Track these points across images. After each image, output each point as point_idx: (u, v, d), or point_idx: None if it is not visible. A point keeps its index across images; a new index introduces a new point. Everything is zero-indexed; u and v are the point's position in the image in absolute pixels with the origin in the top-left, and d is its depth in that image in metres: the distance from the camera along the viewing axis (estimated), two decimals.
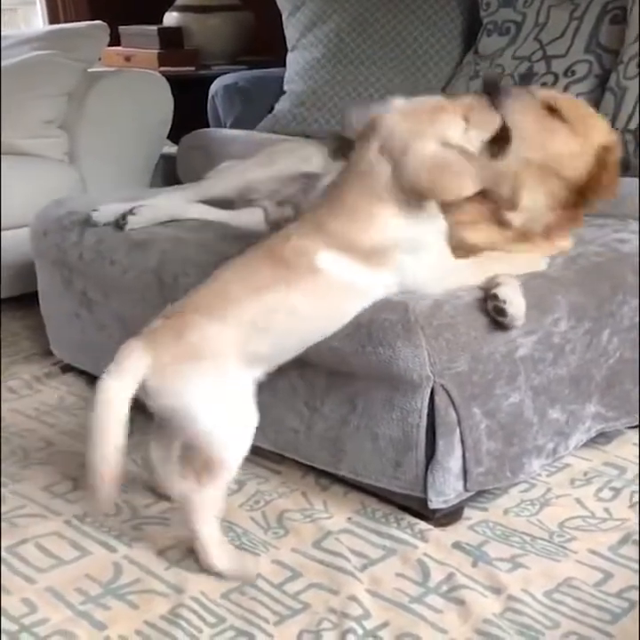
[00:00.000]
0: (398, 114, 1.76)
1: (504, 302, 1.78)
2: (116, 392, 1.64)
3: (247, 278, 1.75)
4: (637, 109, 2.57)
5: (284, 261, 1.74)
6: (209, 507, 1.72)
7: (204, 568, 1.75)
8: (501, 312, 1.78)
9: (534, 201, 1.94)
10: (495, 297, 1.78)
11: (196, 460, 1.71)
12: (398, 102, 1.79)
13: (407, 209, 1.73)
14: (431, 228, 1.79)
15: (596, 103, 2.77)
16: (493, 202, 1.94)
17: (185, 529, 1.77)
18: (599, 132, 1.97)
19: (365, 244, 1.74)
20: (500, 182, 1.90)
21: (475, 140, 1.76)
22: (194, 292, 1.77)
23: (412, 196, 1.72)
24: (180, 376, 1.66)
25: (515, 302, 1.79)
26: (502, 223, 1.95)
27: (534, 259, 1.96)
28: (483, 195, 1.85)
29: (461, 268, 1.86)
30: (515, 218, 1.95)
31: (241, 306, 1.71)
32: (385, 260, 1.75)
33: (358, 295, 1.79)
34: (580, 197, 1.96)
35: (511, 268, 1.89)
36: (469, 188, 1.71)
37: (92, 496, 1.65)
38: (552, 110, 1.93)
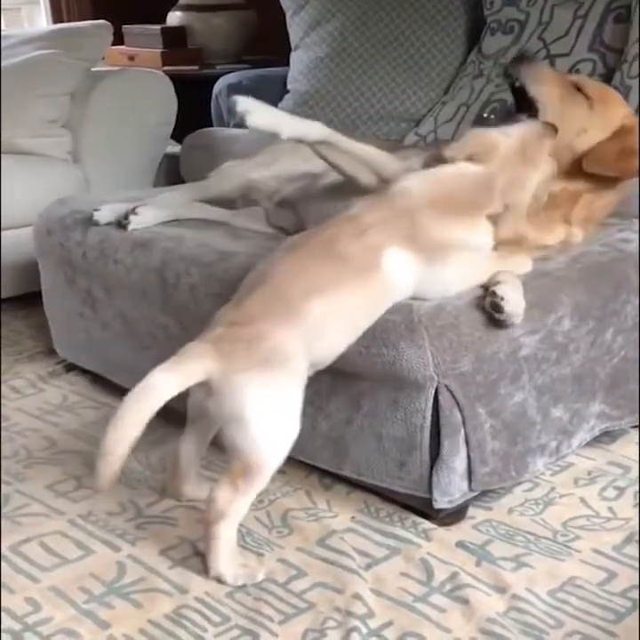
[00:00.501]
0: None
1: (501, 299, 1.78)
2: (164, 384, 1.62)
3: (303, 279, 1.72)
4: None
5: (347, 258, 1.74)
6: (237, 514, 1.71)
7: (212, 576, 1.74)
8: (498, 308, 1.78)
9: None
10: (493, 294, 1.79)
11: (234, 465, 1.69)
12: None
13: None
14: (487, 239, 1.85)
15: None
16: None
17: (196, 533, 1.77)
18: (619, 112, 2.02)
19: (443, 237, 1.77)
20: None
21: None
22: (253, 296, 1.73)
23: None
24: (247, 383, 1.64)
25: (512, 300, 1.79)
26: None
27: (523, 259, 1.96)
28: None
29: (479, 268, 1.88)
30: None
31: (300, 312, 1.69)
32: (441, 257, 1.78)
33: (402, 290, 1.80)
34: (598, 179, 2.00)
35: (500, 267, 1.89)
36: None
37: (96, 472, 1.61)
38: (577, 88, 1.99)
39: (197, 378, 1.65)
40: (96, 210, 2.40)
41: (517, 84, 1.97)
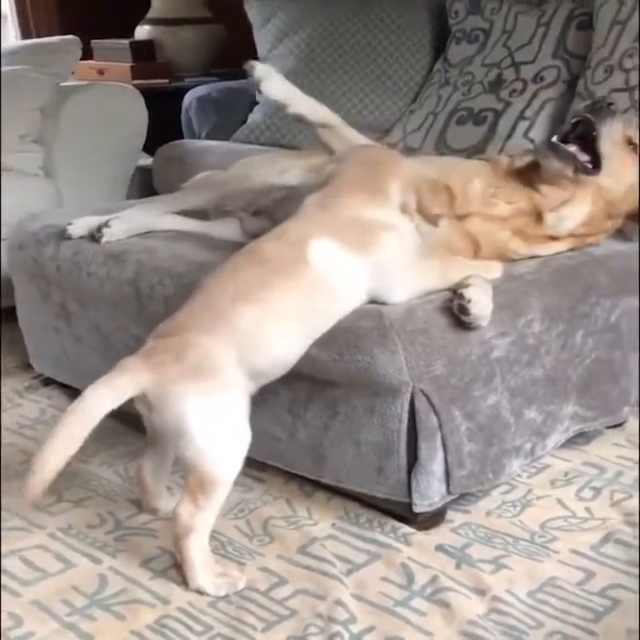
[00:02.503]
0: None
1: (469, 301, 1.79)
2: (99, 400, 1.64)
3: (231, 286, 1.74)
4: None
5: (271, 261, 1.75)
6: (203, 528, 1.71)
7: (192, 589, 1.74)
8: (465, 311, 1.80)
9: (577, 214, 2.04)
10: (460, 296, 1.80)
11: (190, 480, 1.70)
12: None
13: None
14: (408, 226, 1.87)
15: (566, 108, 2.81)
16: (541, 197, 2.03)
17: (173, 547, 1.77)
18: None
19: (363, 217, 1.79)
20: (561, 188, 2.01)
21: None
22: (184, 308, 1.76)
23: None
24: (181, 395, 1.65)
25: (480, 302, 1.81)
26: (536, 220, 2.04)
27: (492, 265, 1.98)
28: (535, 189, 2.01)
29: (431, 268, 1.89)
30: (552, 220, 2.04)
31: (229, 319, 1.70)
32: (371, 240, 1.79)
33: (344, 291, 1.80)
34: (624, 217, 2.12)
35: (469, 271, 1.91)
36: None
37: (26, 483, 1.62)
38: (630, 143, 2.04)
39: (131, 392, 1.66)
40: (69, 224, 2.40)
41: (594, 134, 1.99)
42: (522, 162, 2.08)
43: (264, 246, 1.79)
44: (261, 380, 1.79)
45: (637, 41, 2.63)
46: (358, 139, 2.15)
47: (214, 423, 1.68)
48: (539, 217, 2.04)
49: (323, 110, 2.14)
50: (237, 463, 1.71)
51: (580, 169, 1.98)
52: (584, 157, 1.99)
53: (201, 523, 1.70)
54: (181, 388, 1.65)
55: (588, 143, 2.00)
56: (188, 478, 1.70)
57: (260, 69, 2.05)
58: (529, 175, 2.04)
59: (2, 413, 2.54)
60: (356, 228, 1.79)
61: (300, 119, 2.14)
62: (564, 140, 2.00)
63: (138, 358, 1.70)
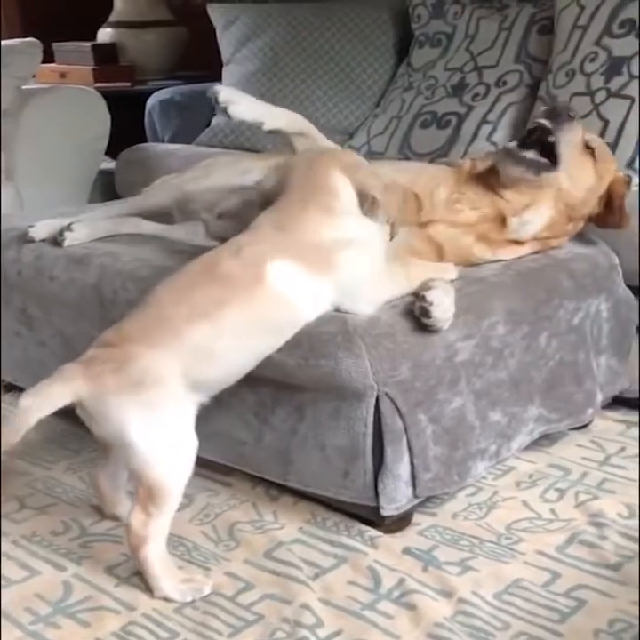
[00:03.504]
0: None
1: (430, 304, 1.80)
2: (31, 407, 1.63)
3: (185, 300, 1.71)
4: None
5: (228, 278, 1.73)
6: (157, 536, 1.70)
7: (157, 597, 1.73)
8: (426, 313, 1.80)
9: (538, 217, 2.06)
10: (422, 298, 1.81)
11: (139, 490, 1.69)
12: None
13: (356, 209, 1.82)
14: (373, 232, 1.83)
15: (528, 112, 2.83)
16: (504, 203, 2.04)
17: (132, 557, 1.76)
18: (612, 168, 2.14)
19: (320, 239, 1.76)
20: (522, 192, 2.03)
21: None
22: (130, 317, 1.74)
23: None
24: (121, 406, 1.64)
25: (441, 305, 1.81)
26: (498, 225, 2.05)
27: (446, 267, 1.99)
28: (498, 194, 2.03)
29: (394, 275, 1.88)
30: (514, 224, 2.05)
31: (181, 333, 1.68)
32: (330, 261, 1.76)
33: (302, 310, 1.79)
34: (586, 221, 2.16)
35: (430, 273, 1.91)
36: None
37: None
38: (587, 148, 2.07)
39: (65, 400, 1.65)
40: (31, 226, 2.38)
41: (551, 139, 2.00)
42: (484, 165, 2.09)
43: (220, 263, 1.75)
44: (211, 391, 1.78)
45: (597, 45, 2.65)
46: (329, 144, 2.15)
47: (156, 435, 1.66)
48: (502, 222, 2.05)
49: (297, 119, 2.12)
50: (185, 471, 1.70)
51: (538, 169, 2.00)
52: (542, 160, 2.01)
53: (154, 531, 1.69)
54: (120, 399, 1.64)
55: (546, 149, 2.01)
56: (137, 488, 1.70)
57: (223, 95, 2.01)
58: (490, 180, 2.05)
59: None
60: (313, 250, 1.76)
61: (276, 132, 2.12)
62: (523, 145, 2.02)
63: (77, 366, 1.68)
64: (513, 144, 2.03)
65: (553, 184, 2.03)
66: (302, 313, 1.79)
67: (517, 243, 2.09)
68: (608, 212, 2.14)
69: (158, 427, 1.66)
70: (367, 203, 1.81)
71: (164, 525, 1.71)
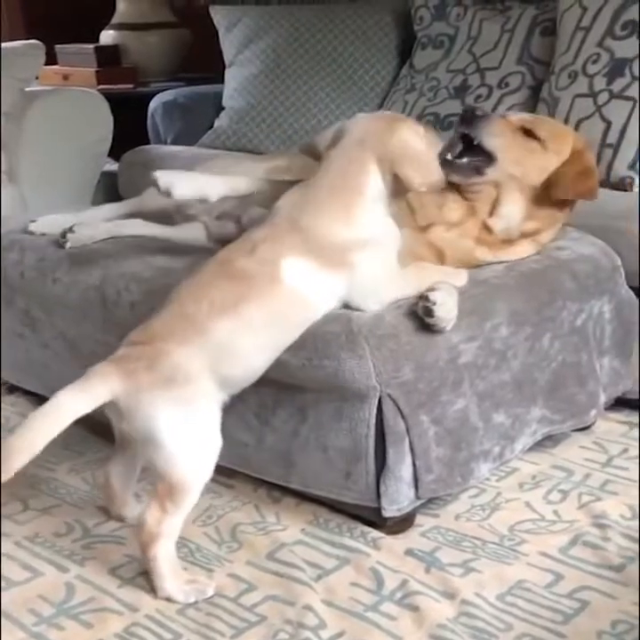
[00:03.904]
0: (364, 120, 1.88)
1: (433, 304, 1.80)
2: (69, 405, 1.63)
3: (205, 297, 1.73)
4: (570, 119, 2.63)
5: (245, 275, 1.74)
6: (169, 535, 1.71)
7: (161, 597, 1.73)
8: (429, 313, 1.81)
9: (512, 210, 2.05)
10: (425, 298, 1.81)
11: (159, 487, 1.69)
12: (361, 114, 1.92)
13: (378, 207, 1.82)
14: (390, 232, 1.85)
15: (531, 113, 2.83)
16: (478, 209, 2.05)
17: (140, 555, 1.76)
18: (568, 141, 2.09)
19: (336, 239, 1.77)
20: (484, 193, 2.04)
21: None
22: (156, 316, 1.75)
23: (397, 186, 1.81)
24: (153, 402, 1.65)
25: (444, 305, 1.82)
26: (486, 228, 2.05)
27: (457, 272, 1.99)
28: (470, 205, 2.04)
29: (406, 277, 1.88)
30: (495, 224, 2.04)
31: (203, 329, 1.70)
32: (344, 260, 1.77)
33: (316, 304, 1.80)
34: (561, 203, 2.10)
35: (441, 277, 1.92)
36: (436, 182, 1.86)
37: None
38: (526, 131, 2.05)
39: (103, 398, 1.65)
40: (32, 221, 2.41)
41: (476, 142, 2.01)
42: None
43: (236, 261, 1.77)
44: (232, 389, 1.79)
45: (600, 46, 2.65)
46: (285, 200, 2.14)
47: (185, 431, 1.67)
48: (484, 224, 2.06)
49: (240, 182, 2.11)
50: (208, 471, 1.71)
51: (478, 169, 2.01)
52: (477, 159, 2.02)
53: (168, 529, 1.70)
54: (153, 395, 1.65)
55: (477, 150, 2.02)
56: (158, 485, 1.70)
57: (163, 181, 1.95)
58: (454, 189, 2.06)
59: None
60: (328, 249, 1.77)
61: (225, 198, 2.11)
62: (458, 156, 2.03)
63: (110, 364, 1.69)
64: (448, 157, 2.02)
65: (504, 176, 2.02)
66: (318, 308, 1.80)
67: (510, 242, 2.08)
68: (580, 182, 2.08)
69: (188, 423, 1.67)
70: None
71: (177, 525, 1.71)
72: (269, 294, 1.74)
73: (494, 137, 2.02)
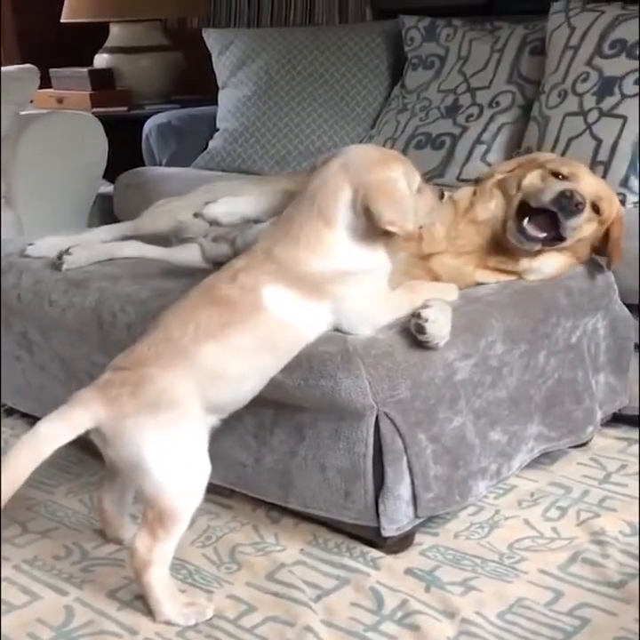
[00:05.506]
0: (360, 148, 1.86)
1: (425, 321, 1.80)
2: (50, 434, 1.63)
3: (190, 322, 1.73)
4: (561, 137, 2.65)
5: (228, 302, 1.74)
6: (162, 561, 1.70)
7: (159, 621, 1.72)
8: (421, 330, 1.81)
9: (552, 264, 2.12)
10: (418, 316, 1.81)
11: (148, 513, 1.68)
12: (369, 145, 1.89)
13: (356, 239, 1.77)
14: (376, 262, 1.82)
15: (521, 133, 2.85)
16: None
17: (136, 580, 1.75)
18: (616, 208, 2.14)
19: (311, 271, 1.75)
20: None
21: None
22: (140, 341, 1.75)
23: (367, 222, 1.75)
24: (137, 429, 1.64)
25: (437, 322, 1.82)
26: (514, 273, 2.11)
27: (448, 287, 2.00)
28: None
29: (396, 299, 1.88)
30: (524, 263, 2.09)
31: (189, 353, 1.70)
32: (322, 291, 1.76)
33: (302, 330, 1.79)
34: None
35: (432, 294, 1.92)
36: (408, 228, 1.77)
37: None
38: (593, 205, 2.07)
39: (85, 426, 1.65)
40: (30, 244, 2.42)
41: (562, 234, 2.03)
42: (483, 210, 2.10)
43: (220, 288, 1.77)
44: (221, 413, 1.79)
45: (589, 65, 2.67)
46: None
47: (172, 457, 1.66)
48: (508, 252, 2.07)
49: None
50: (197, 496, 1.71)
51: (546, 243, 2.05)
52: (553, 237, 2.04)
53: (159, 556, 1.69)
54: (137, 421, 1.64)
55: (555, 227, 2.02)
56: (146, 512, 1.69)
57: (208, 216, 2.04)
58: (491, 235, 2.09)
59: None
60: (304, 280, 1.76)
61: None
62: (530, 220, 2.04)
63: (93, 391, 1.69)
64: (529, 229, 2.02)
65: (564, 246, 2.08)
66: (305, 334, 1.80)
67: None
68: (605, 245, 2.15)
69: (174, 449, 1.67)
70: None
71: (169, 550, 1.70)
72: (254, 321, 1.73)
73: (578, 229, 2.05)
